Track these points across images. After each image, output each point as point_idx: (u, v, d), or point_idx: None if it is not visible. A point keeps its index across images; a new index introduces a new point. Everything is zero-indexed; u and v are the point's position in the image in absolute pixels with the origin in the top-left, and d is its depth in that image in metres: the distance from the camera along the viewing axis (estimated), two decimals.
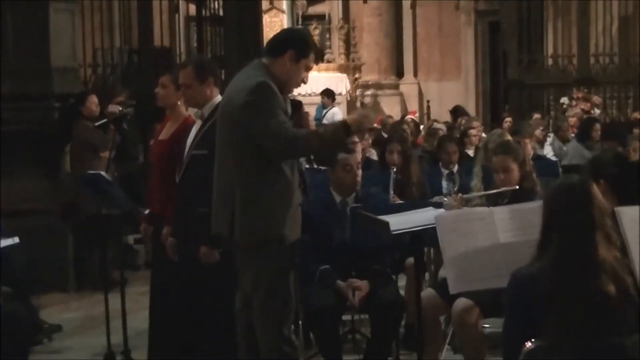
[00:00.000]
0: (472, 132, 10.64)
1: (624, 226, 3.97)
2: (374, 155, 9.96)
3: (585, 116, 14.07)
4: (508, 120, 13.51)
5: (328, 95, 17.48)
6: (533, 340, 3.59)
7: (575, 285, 3.57)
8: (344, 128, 4.85)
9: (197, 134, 5.76)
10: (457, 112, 15.91)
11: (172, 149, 6.08)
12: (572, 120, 13.49)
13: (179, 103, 6.19)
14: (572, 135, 12.68)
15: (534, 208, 4.27)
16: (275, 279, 4.94)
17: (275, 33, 5.53)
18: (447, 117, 16.99)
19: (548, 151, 12.20)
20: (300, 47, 4.99)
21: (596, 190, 3.76)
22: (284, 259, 4.95)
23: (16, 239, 6.07)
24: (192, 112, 6.11)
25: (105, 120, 8.77)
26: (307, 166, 8.76)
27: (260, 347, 5.05)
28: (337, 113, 17.46)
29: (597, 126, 11.85)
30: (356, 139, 8.28)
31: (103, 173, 6.69)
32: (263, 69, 4.96)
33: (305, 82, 5.16)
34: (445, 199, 6.54)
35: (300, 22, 22.51)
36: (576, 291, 3.57)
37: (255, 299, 5.01)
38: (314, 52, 5.11)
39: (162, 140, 6.27)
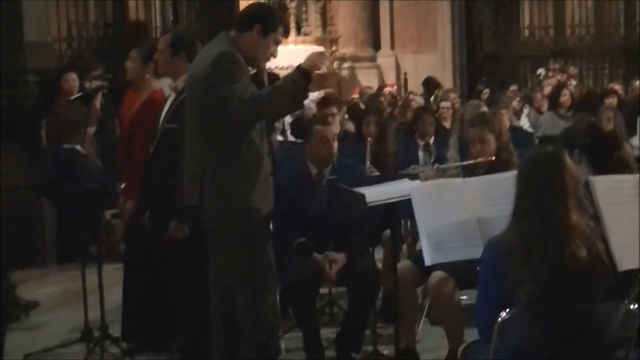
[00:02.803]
0: (443, 104, 10.63)
1: (597, 195, 4.00)
2: (351, 127, 9.96)
3: None
4: (486, 92, 13.51)
5: None
6: (507, 310, 3.62)
7: (548, 249, 3.61)
8: (301, 72, 4.75)
9: (169, 107, 5.74)
10: (430, 83, 15.88)
11: (137, 121, 6.07)
12: (547, 90, 13.52)
13: (147, 77, 6.16)
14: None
15: (508, 178, 4.27)
16: (253, 249, 4.95)
17: (245, 7, 5.51)
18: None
19: (525, 122, 12.23)
20: (268, 22, 4.98)
21: (568, 159, 3.80)
22: (259, 229, 4.96)
23: None
24: (165, 85, 6.07)
25: (79, 94, 8.74)
26: (280, 139, 8.75)
27: (242, 317, 5.05)
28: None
29: (565, 91, 11.90)
30: (334, 110, 8.35)
31: (78, 147, 6.66)
32: (229, 41, 4.95)
33: (274, 56, 5.12)
34: (421, 168, 6.56)
35: None
36: (549, 255, 3.60)
37: (235, 271, 5.02)
38: (283, 25, 5.12)
39: (129, 114, 6.26)
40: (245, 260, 4.97)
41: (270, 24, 4.98)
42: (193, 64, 5.12)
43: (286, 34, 5.16)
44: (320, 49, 21.60)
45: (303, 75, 4.75)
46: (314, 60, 4.81)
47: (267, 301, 5.04)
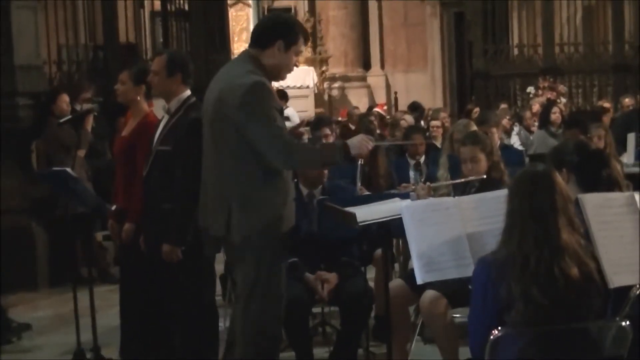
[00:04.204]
0: (433, 123, 10.66)
1: (587, 213, 4.02)
2: None
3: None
4: (477, 111, 13.54)
5: (281, 96, 17.43)
6: (499, 328, 3.62)
7: (539, 268, 3.62)
8: (344, 151, 4.79)
9: (162, 129, 5.73)
10: (417, 109, 15.95)
11: (131, 145, 6.06)
12: (535, 108, 13.57)
13: (138, 99, 6.15)
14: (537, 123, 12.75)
15: (499, 197, 4.29)
16: (270, 274, 4.87)
17: (260, 21, 5.44)
18: None
19: (515, 141, 12.27)
20: (288, 35, 4.89)
21: (559, 177, 3.82)
22: (279, 253, 4.92)
23: None
24: (159, 107, 6.07)
25: (69, 117, 8.76)
26: None
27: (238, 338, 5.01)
28: (292, 115, 17.28)
29: (555, 109, 11.94)
30: (328, 131, 8.36)
31: (69, 170, 6.66)
32: (252, 61, 4.86)
33: (297, 66, 5.07)
34: (413, 186, 6.56)
35: None
36: (540, 274, 3.61)
37: (245, 294, 4.92)
38: (303, 34, 5.01)
39: (123, 137, 6.25)
40: (263, 284, 4.86)
41: (292, 37, 4.89)
42: (217, 90, 4.89)
43: (306, 41, 5.08)
44: (311, 69, 21.80)
45: (345, 155, 4.80)
46: (362, 149, 4.86)
47: (270, 327, 4.96)
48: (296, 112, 18.15)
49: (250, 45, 4.98)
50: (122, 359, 6.29)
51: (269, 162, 4.74)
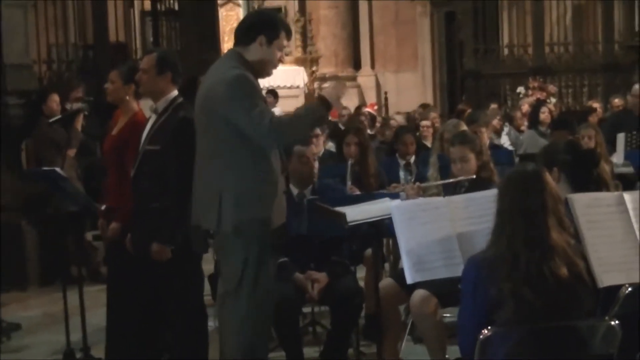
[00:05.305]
0: (424, 123, 10.67)
1: (576, 212, 4.03)
2: (332, 147, 9.97)
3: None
4: (469, 112, 13.54)
5: (274, 95, 17.49)
6: (489, 328, 3.63)
7: (529, 267, 3.63)
8: (322, 102, 4.82)
9: (150, 129, 5.72)
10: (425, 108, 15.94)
11: (121, 144, 6.05)
12: (525, 108, 13.59)
13: (128, 98, 6.13)
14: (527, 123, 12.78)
15: (489, 196, 4.30)
16: (258, 268, 4.86)
17: (242, 19, 5.45)
18: (405, 108, 17.04)
19: (505, 141, 12.27)
20: (269, 30, 4.92)
21: (549, 177, 3.84)
22: (267, 247, 4.91)
23: None
24: (146, 107, 6.05)
25: (59, 117, 8.74)
26: None
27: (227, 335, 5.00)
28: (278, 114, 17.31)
29: (544, 109, 11.97)
30: (319, 131, 8.36)
31: (58, 169, 6.64)
32: (237, 58, 4.91)
33: (282, 61, 5.10)
34: (403, 186, 6.57)
35: None
36: (529, 274, 3.62)
37: (232, 289, 4.92)
38: (285, 29, 5.03)
39: (112, 136, 6.24)
40: (253, 278, 4.85)
41: (273, 32, 4.92)
42: (204, 87, 4.97)
43: (289, 36, 5.10)
44: (301, 69, 21.79)
45: (324, 105, 4.81)
46: (336, 91, 4.89)
47: (257, 323, 4.94)
48: (284, 112, 18.15)
49: (234, 44, 5.04)
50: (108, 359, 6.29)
51: (261, 145, 4.77)
